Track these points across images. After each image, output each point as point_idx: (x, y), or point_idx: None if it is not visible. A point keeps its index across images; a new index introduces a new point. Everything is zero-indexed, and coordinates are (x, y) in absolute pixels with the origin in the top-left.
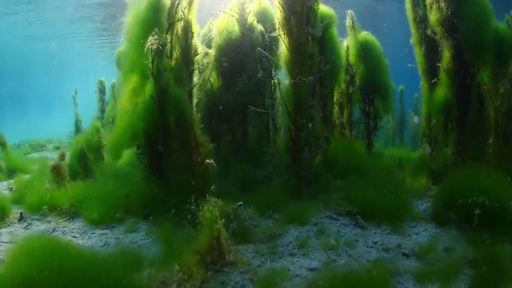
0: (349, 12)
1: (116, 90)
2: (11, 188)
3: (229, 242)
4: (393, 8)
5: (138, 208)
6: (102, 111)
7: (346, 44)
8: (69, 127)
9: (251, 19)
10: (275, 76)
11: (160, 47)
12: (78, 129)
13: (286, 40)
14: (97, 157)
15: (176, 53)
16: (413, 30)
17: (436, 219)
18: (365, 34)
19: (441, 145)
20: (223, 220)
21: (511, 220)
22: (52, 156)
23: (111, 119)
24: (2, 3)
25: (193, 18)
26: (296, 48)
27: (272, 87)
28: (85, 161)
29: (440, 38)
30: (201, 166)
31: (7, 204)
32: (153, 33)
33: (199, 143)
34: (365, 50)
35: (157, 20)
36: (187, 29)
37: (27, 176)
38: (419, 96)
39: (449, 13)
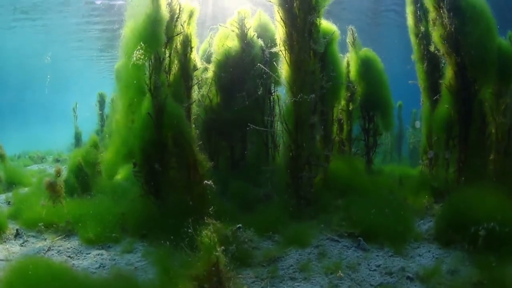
0: (350, 28)
1: (115, 104)
2: (9, 202)
3: (228, 268)
4: (392, 23)
5: (135, 227)
6: (102, 124)
7: (347, 60)
8: (69, 139)
9: (251, 34)
10: (274, 91)
11: (158, 61)
12: (78, 141)
13: (287, 56)
14: (94, 172)
15: (174, 68)
16: (415, 47)
17: (439, 239)
18: (366, 51)
19: (442, 162)
20: (222, 244)
21: None
22: (51, 170)
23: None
24: (5, 15)
25: (193, 32)
26: (297, 64)
27: (272, 103)
28: (82, 176)
29: (443, 54)
30: (199, 185)
31: (3, 220)
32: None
33: (197, 161)
34: (366, 67)
35: (155, 34)
36: (187, 43)
37: (26, 189)
38: (417, 111)
39: (452, 29)
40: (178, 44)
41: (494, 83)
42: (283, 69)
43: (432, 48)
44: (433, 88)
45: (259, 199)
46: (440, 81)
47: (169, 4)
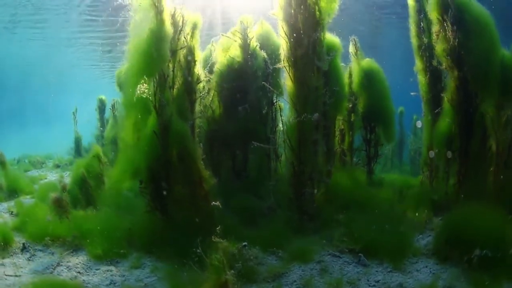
0: (353, 38)
1: (116, 109)
2: (12, 212)
3: (236, 286)
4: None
5: (142, 242)
6: (102, 129)
7: (349, 70)
8: (68, 142)
9: (254, 44)
10: (276, 101)
11: (163, 78)
12: (78, 147)
13: (291, 72)
14: (97, 183)
15: (178, 82)
16: (417, 58)
17: (437, 255)
18: (368, 62)
19: (442, 175)
20: (229, 262)
21: (509, 261)
22: (51, 176)
23: (111, 139)
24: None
25: (196, 44)
26: (301, 81)
27: (274, 114)
28: (86, 188)
29: (446, 68)
30: (204, 200)
31: (9, 233)
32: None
33: (202, 177)
34: (368, 78)
35: (159, 52)
36: (190, 57)
37: (28, 197)
38: (418, 117)
39: (456, 43)
40: (182, 57)
41: (496, 97)
42: (287, 84)
43: (435, 62)
44: (435, 100)
45: (262, 213)
46: (442, 95)
47: (172, 16)
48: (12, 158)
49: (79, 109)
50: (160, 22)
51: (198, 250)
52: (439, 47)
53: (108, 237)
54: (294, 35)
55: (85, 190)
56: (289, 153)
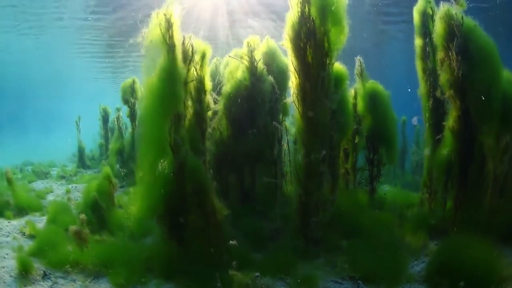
0: (358, 58)
1: (120, 122)
2: (24, 233)
3: None
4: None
5: (160, 270)
6: (106, 138)
7: (354, 91)
8: (68, 147)
9: (261, 67)
10: (283, 121)
11: (177, 118)
12: (81, 156)
13: (299, 107)
14: (108, 204)
15: (189, 113)
16: (421, 82)
17: (428, 282)
18: (373, 84)
19: (440, 200)
20: None
21: None
22: (58, 189)
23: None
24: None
25: (206, 74)
26: (309, 117)
27: (280, 133)
28: (98, 211)
29: (448, 97)
30: (217, 230)
31: (28, 260)
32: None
33: (215, 209)
34: (373, 101)
35: (174, 93)
36: (200, 87)
37: (37, 215)
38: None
39: (459, 74)
40: (192, 88)
41: (497, 127)
42: (295, 119)
43: (438, 93)
44: (437, 125)
45: (269, 235)
46: (444, 123)
47: (182, 47)
48: (14, 164)
49: (79, 113)
50: (172, 60)
51: (218, 284)
52: (443, 76)
53: (128, 265)
54: (303, 70)
55: (98, 214)
56: (296, 184)
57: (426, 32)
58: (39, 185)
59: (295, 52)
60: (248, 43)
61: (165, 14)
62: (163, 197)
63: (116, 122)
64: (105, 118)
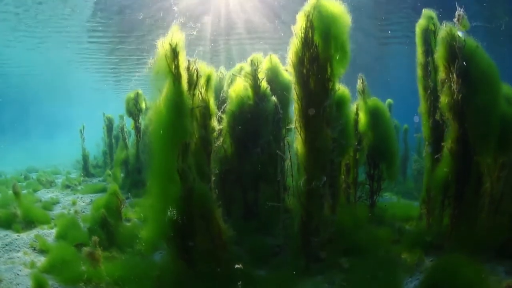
0: (360, 76)
1: (125, 132)
2: (34, 248)
3: None
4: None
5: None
6: (110, 147)
7: (356, 107)
8: (71, 152)
9: (264, 86)
10: (285, 137)
11: (185, 147)
12: (86, 164)
13: (301, 133)
14: (116, 220)
15: (195, 136)
16: (422, 100)
17: None
18: (374, 101)
19: (437, 217)
20: None
21: None
22: (64, 200)
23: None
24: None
25: (211, 98)
26: (311, 144)
27: (283, 147)
28: (107, 228)
29: (447, 119)
30: (223, 250)
31: (42, 278)
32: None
33: (221, 230)
34: (374, 119)
35: (181, 125)
36: (206, 111)
37: (45, 228)
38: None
39: (459, 98)
40: (198, 112)
41: (493, 149)
42: (297, 144)
43: (438, 116)
44: (436, 143)
45: (272, 251)
46: (442, 144)
47: (187, 71)
48: (18, 170)
49: (82, 118)
50: (178, 92)
51: None
52: (443, 98)
53: (140, 283)
54: (306, 97)
55: (107, 230)
56: (298, 206)
57: (428, 49)
58: (44, 194)
59: (298, 79)
60: (251, 61)
61: (170, 44)
62: (172, 221)
63: (120, 133)
64: (109, 127)
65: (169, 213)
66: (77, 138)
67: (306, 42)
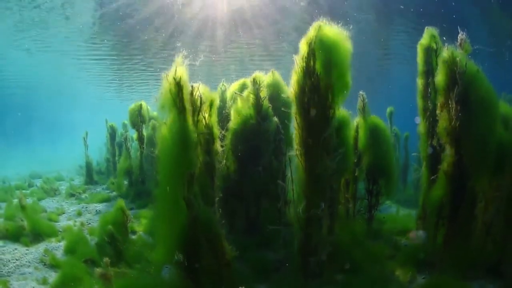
0: (361, 94)
1: (128, 142)
2: (45, 263)
3: None
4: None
5: None
6: (113, 154)
7: (356, 124)
8: (75, 158)
9: (266, 105)
10: (286, 153)
11: (190, 177)
12: (89, 171)
13: (302, 160)
14: (123, 235)
15: (199, 161)
16: (421, 121)
17: None
18: (374, 119)
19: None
20: None
21: None
22: (69, 210)
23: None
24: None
25: (214, 123)
26: (311, 171)
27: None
28: (115, 244)
29: (444, 143)
30: (227, 268)
31: None
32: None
33: (225, 251)
34: (373, 137)
35: (187, 158)
36: (210, 140)
37: (53, 241)
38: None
39: (457, 125)
40: (202, 138)
41: (489, 174)
42: (298, 173)
43: (435, 141)
44: (434, 164)
45: (273, 266)
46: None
47: (190, 95)
48: (21, 176)
49: (83, 121)
50: (183, 125)
51: None
52: (441, 123)
53: None
54: (306, 126)
55: (115, 247)
56: (297, 229)
57: (429, 69)
58: (49, 203)
59: (299, 108)
60: (254, 80)
61: (174, 78)
62: (179, 245)
63: (124, 143)
64: (112, 136)
65: (176, 237)
66: (79, 141)
67: (308, 71)
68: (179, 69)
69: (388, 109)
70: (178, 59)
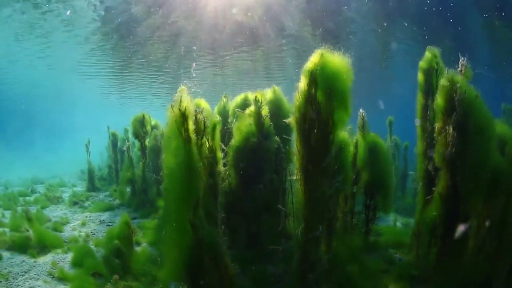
0: (361, 112)
1: (131, 151)
2: (53, 276)
3: None
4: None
5: None
6: (115, 161)
7: (355, 140)
8: (77, 161)
9: (268, 123)
10: (287, 167)
11: (196, 202)
12: (91, 178)
13: (301, 184)
14: (129, 248)
15: (203, 183)
16: (419, 141)
17: None
18: (373, 137)
19: (423, 253)
20: None
21: None
22: (74, 220)
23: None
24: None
25: (218, 145)
26: (310, 196)
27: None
28: (122, 257)
29: (440, 166)
30: (230, 283)
31: None
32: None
33: (228, 268)
34: (372, 154)
35: (193, 186)
36: (213, 162)
37: (59, 252)
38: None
39: (453, 150)
40: (205, 161)
41: (483, 196)
42: (297, 196)
43: (430, 166)
44: (430, 184)
45: (273, 280)
46: (433, 189)
47: (194, 117)
48: (23, 180)
49: (85, 124)
50: (189, 155)
51: None
52: (438, 147)
53: None
54: (307, 153)
55: (121, 260)
56: (296, 247)
57: (429, 90)
58: (53, 212)
59: (300, 134)
60: (255, 98)
61: (179, 109)
62: (186, 264)
63: (126, 152)
64: (114, 143)
65: (182, 257)
66: (81, 146)
67: (309, 99)
68: (184, 100)
69: (388, 119)
70: (183, 88)
